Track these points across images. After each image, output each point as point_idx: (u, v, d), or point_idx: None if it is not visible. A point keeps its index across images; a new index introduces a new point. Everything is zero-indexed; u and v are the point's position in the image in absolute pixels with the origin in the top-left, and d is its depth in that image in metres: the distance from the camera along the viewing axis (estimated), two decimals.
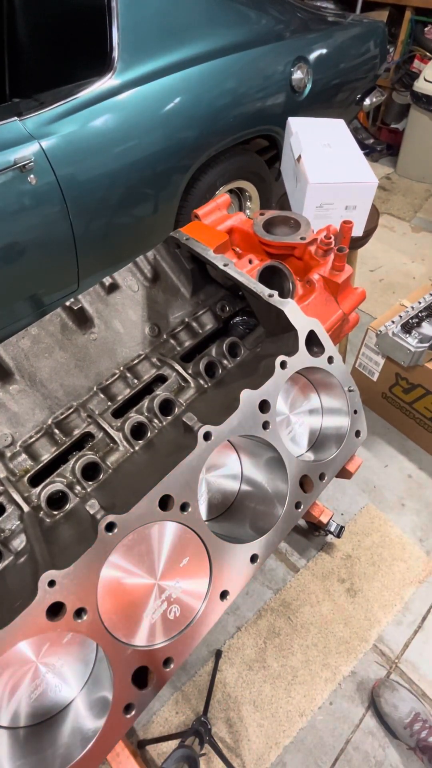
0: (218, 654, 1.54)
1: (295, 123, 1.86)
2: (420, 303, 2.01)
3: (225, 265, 1.17)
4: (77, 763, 0.76)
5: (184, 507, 0.87)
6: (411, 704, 1.42)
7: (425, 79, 3.43)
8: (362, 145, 4.12)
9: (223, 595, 0.94)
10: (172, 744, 1.35)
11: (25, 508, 0.98)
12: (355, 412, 1.17)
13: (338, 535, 1.70)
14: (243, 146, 2.31)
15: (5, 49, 2.39)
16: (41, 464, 1.06)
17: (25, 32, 2.33)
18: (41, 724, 0.85)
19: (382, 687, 1.47)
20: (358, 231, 1.74)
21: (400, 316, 1.96)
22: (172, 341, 1.27)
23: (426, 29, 3.81)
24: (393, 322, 1.94)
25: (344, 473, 1.31)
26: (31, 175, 1.60)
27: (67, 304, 1.16)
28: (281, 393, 1.04)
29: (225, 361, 1.24)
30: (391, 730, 1.42)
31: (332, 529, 1.70)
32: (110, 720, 0.79)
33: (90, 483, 1.03)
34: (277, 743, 1.43)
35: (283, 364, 1.02)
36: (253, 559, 0.97)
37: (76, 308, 1.16)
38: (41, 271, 1.84)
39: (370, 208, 1.69)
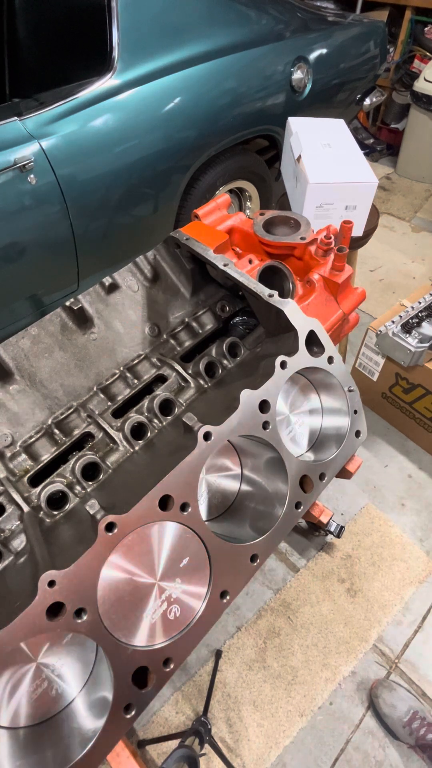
0: (218, 654, 1.54)
1: (295, 123, 1.86)
2: (420, 303, 2.01)
3: (225, 265, 1.17)
4: (77, 763, 0.76)
5: (184, 507, 0.87)
6: (409, 703, 1.42)
7: (425, 79, 3.43)
8: (362, 145, 4.12)
9: (223, 595, 0.94)
10: (172, 744, 1.35)
11: (25, 508, 0.98)
12: (355, 412, 1.17)
13: (338, 535, 1.70)
14: (243, 146, 2.31)
15: (5, 49, 2.39)
16: (41, 464, 1.06)
17: (25, 32, 2.33)
18: (41, 724, 0.85)
19: (379, 687, 1.47)
20: (358, 231, 1.74)
21: (400, 316, 1.96)
22: (172, 341, 1.27)
23: (426, 29, 3.81)
24: (393, 322, 1.94)
25: (344, 473, 1.31)
26: (31, 175, 1.60)
27: (67, 304, 1.16)
28: (281, 393, 1.04)
29: (225, 361, 1.24)
30: (391, 731, 1.42)
31: (332, 529, 1.70)
32: (110, 720, 0.79)
33: (90, 483, 1.03)
34: (277, 743, 1.43)
35: (283, 364, 1.02)
36: (253, 559, 0.97)
37: (76, 308, 1.16)
38: (41, 271, 1.84)
39: (370, 208, 1.69)
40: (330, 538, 1.83)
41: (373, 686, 1.50)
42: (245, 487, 1.15)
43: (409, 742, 1.39)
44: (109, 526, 0.79)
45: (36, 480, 1.04)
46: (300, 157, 1.68)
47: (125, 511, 0.80)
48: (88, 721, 0.83)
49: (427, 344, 1.85)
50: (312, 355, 1.08)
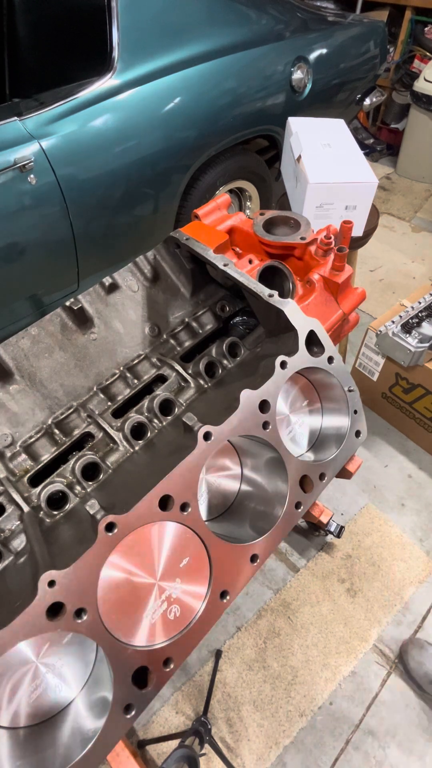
0: (218, 654, 1.54)
1: (295, 123, 1.86)
2: (420, 303, 2.01)
3: (225, 265, 1.17)
4: (77, 763, 0.76)
5: (184, 507, 0.87)
6: None
7: (425, 79, 3.43)
8: (362, 145, 4.12)
9: (223, 595, 0.93)
10: (172, 744, 1.35)
11: (25, 508, 0.98)
12: (355, 412, 1.17)
13: (338, 535, 1.70)
14: (243, 146, 2.31)
15: (5, 49, 2.39)
16: (41, 464, 1.06)
17: (25, 32, 2.32)
18: (41, 724, 0.85)
19: (410, 644, 1.55)
20: (358, 231, 1.74)
21: (400, 316, 1.96)
22: (172, 341, 1.27)
23: (426, 29, 3.81)
24: (393, 322, 1.94)
25: (344, 473, 1.31)
26: (31, 175, 1.60)
27: (67, 304, 1.16)
28: (281, 393, 1.04)
29: (225, 361, 1.24)
30: (418, 684, 1.50)
31: (332, 529, 1.70)
32: (110, 720, 0.79)
33: (90, 483, 1.03)
34: (277, 743, 1.43)
35: (283, 364, 1.02)
36: (253, 559, 0.97)
37: (76, 308, 1.16)
38: (41, 271, 1.84)
39: (370, 208, 1.69)
40: (330, 538, 1.83)
41: (404, 643, 1.57)
42: (245, 487, 1.15)
43: None
44: (109, 526, 0.79)
45: (36, 480, 1.04)
46: (300, 157, 1.68)
47: (125, 511, 0.80)
48: (88, 721, 0.83)
49: (427, 344, 1.85)
50: (312, 355, 1.08)
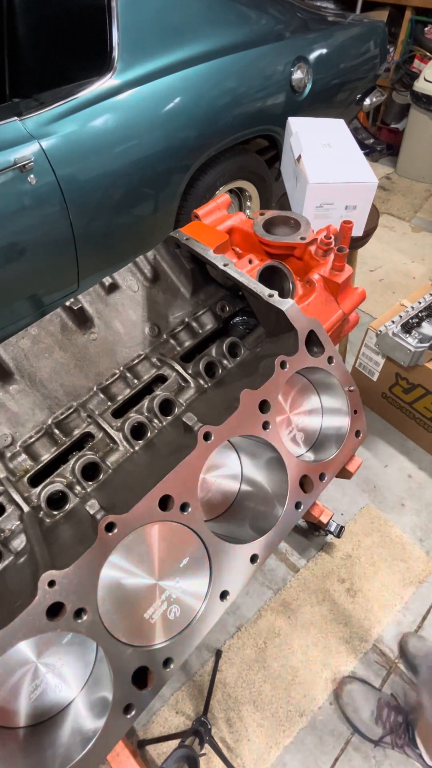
0: (218, 654, 1.54)
1: (295, 123, 1.86)
2: (420, 303, 2.01)
3: (225, 265, 1.17)
4: (77, 763, 0.76)
5: (184, 507, 0.87)
6: (373, 696, 1.43)
7: (425, 79, 3.43)
8: (362, 145, 4.12)
9: (223, 595, 0.93)
10: (172, 744, 1.35)
11: (25, 508, 0.98)
12: (355, 412, 1.17)
13: (338, 535, 1.70)
14: (243, 146, 2.31)
15: (5, 49, 2.39)
16: (41, 464, 1.06)
17: (25, 32, 2.32)
18: (41, 724, 0.85)
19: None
20: (358, 231, 1.74)
21: (400, 316, 1.96)
22: (172, 341, 1.27)
23: (426, 29, 3.81)
24: (393, 322, 1.94)
25: (344, 473, 1.31)
26: (31, 175, 1.60)
27: (67, 304, 1.16)
28: (281, 393, 1.04)
29: (225, 361, 1.24)
30: (361, 732, 1.40)
31: (332, 529, 1.70)
32: (110, 720, 0.79)
33: (90, 483, 1.03)
34: (277, 743, 1.43)
35: (283, 364, 1.02)
36: (253, 559, 0.97)
37: (76, 308, 1.16)
38: (41, 271, 1.84)
39: (370, 208, 1.69)
40: (330, 538, 1.83)
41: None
42: (245, 487, 1.15)
43: (384, 734, 1.36)
44: (109, 526, 0.79)
45: (36, 480, 1.04)
46: (300, 157, 1.68)
47: (125, 511, 0.81)
48: (88, 721, 0.83)
49: (427, 344, 1.85)
50: (312, 355, 1.08)
